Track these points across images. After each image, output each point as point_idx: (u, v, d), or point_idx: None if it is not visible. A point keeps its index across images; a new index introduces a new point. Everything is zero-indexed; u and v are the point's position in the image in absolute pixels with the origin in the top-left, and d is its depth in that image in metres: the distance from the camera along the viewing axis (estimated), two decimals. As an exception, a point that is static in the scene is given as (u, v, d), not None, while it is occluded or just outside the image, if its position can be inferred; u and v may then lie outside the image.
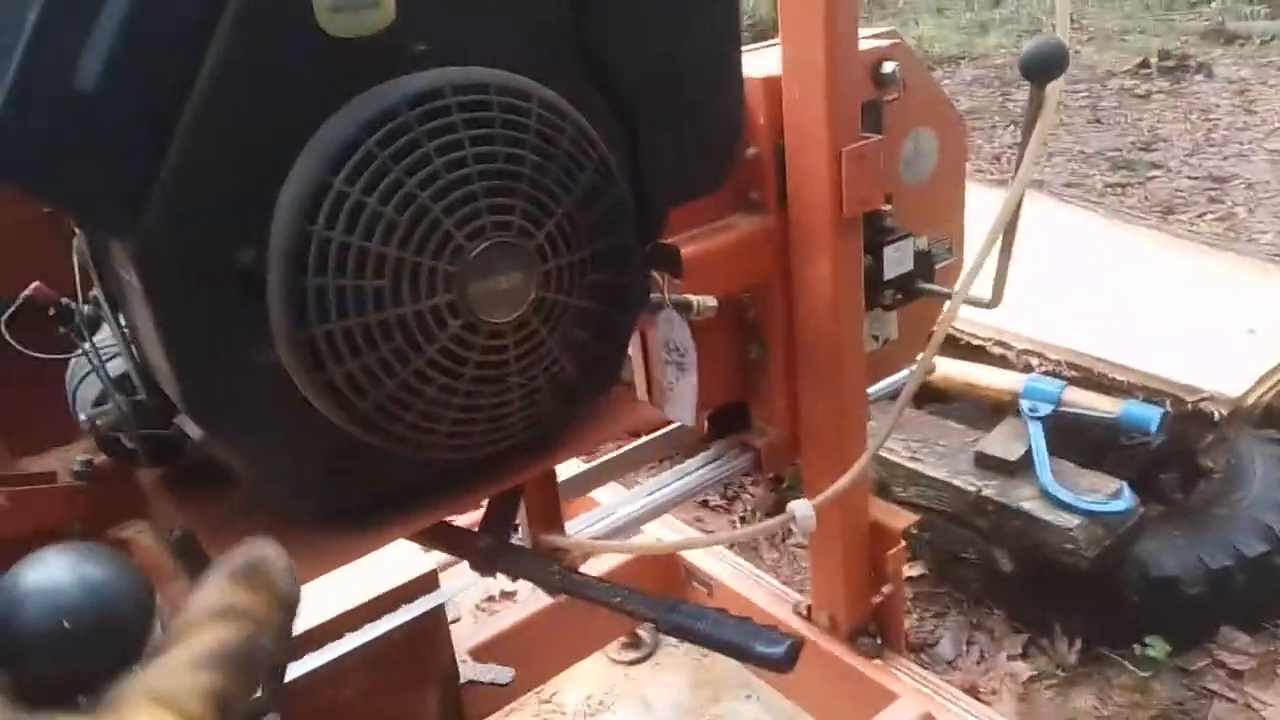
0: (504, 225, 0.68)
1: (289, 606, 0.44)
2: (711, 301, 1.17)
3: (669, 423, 1.17)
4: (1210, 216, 4.27)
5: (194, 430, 0.67)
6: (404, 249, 0.65)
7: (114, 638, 0.44)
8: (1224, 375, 1.97)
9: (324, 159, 0.63)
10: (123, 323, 0.73)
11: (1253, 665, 1.93)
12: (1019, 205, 1.32)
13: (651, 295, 1.10)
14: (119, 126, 0.58)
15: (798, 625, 1.63)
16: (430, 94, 0.65)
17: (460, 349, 0.69)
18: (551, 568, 0.87)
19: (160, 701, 0.38)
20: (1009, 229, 1.41)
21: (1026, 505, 1.90)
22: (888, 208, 1.47)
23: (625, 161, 0.79)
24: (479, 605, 2.17)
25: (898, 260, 1.52)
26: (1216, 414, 1.92)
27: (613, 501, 1.45)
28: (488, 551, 0.88)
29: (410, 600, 1.35)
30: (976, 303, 1.50)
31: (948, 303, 1.59)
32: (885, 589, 1.58)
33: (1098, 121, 5.72)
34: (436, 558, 1.90)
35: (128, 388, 0.73)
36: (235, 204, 0.63)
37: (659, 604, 0.78)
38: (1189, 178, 4.78)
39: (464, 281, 0.67)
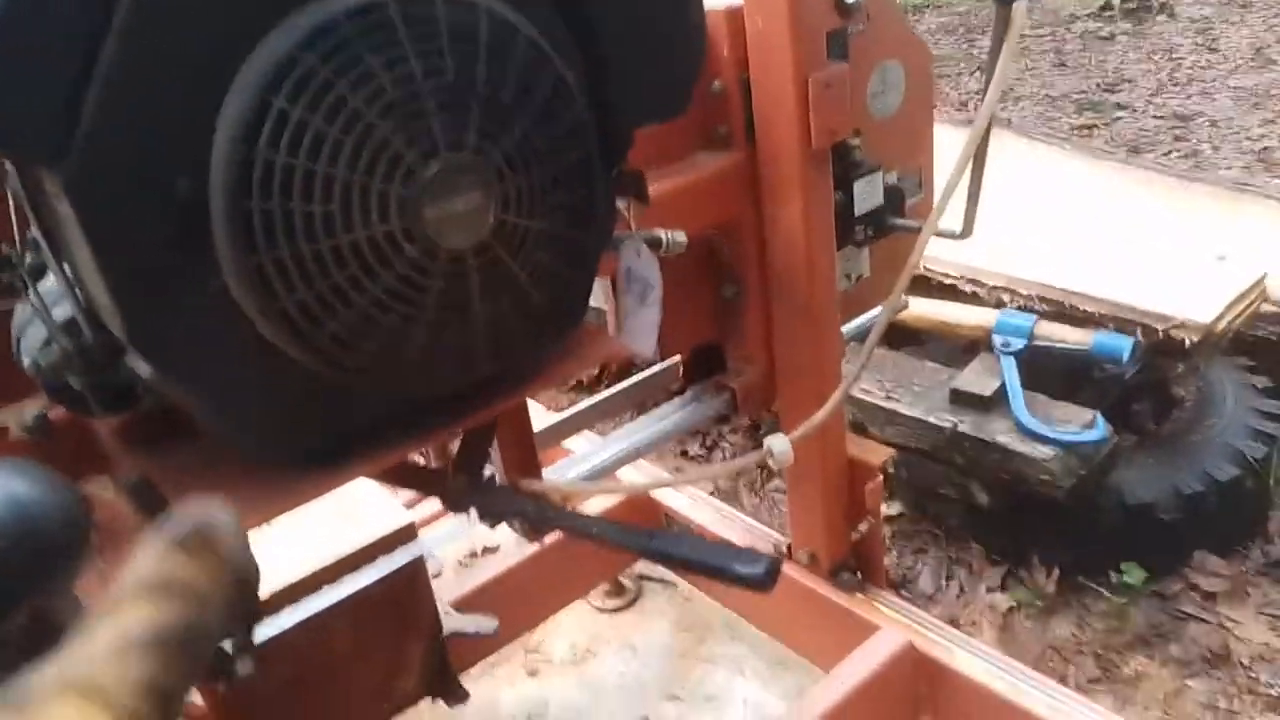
0: (458, 144, 0.65)
1: (241, 580, 0.38)
2: (682, 237, 1.15)
3: (641, 357, 1.15)
4: (1175, 154, 4.29)
5: (144, 369, 0.65)
6: (352, 170, 0.62)
7: (40, 553, 0.42)
8: (1195, 302, 1.97)
9: (264, 77, 0.60)
10: (65, 264, 0.70)
11: (1225, 587, 1.96)
12: (988, 130, 1.31)
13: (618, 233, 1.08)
14: (41, 44, 0.55)
15: (779, 564, 1.64)
16: (372, 5, 0.62)
17: (419, 276, 0.66)
18: (525, 502, 0.85)
19: (84, 694, 0.31)
20: (978, 156, 1.39)
21: (1002, 439, 1.90)
22: (856, 142, 1.45)
23: (584, 81, 0.76)
24: (461, 561, 2.17)
25: (868, 195, 1.50)
26: (1188, 341, 1.93)
27: (588, 449, 1.44)
28: (460, 489, 0.86)
29: (388, 553, 1.33)
30: (947, 234, 1.50)
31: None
32: (864, 524, 1.58)
33: (1062, 65, 5.71)
34: (416, 512, 1.90)
35: (74, 330, 0.70)
36: (171, 126, 0.60)
37: (637, 533, 0.77)
38: (1154, 117, 4.80)
39: (418, 204, 0.64)
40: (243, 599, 0.38)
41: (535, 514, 0.83)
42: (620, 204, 0.96)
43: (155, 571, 0.36)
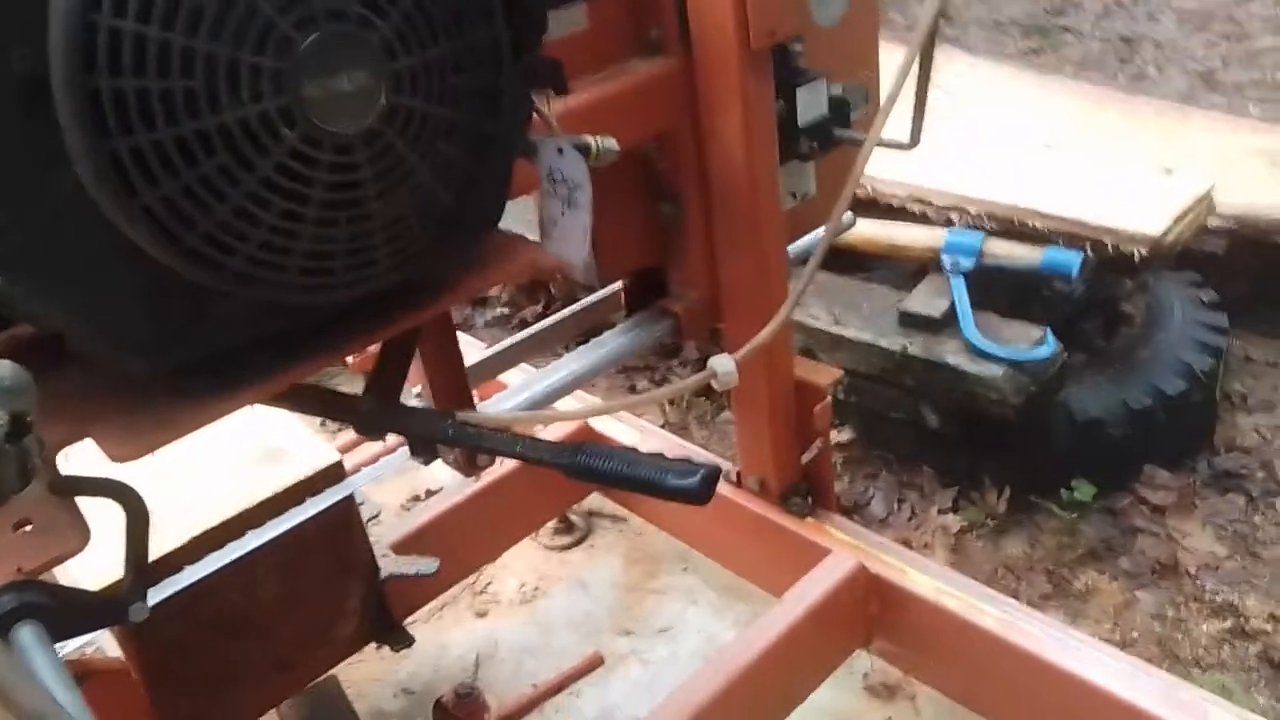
0: (338, 12, 0.57)
1: None
2: (613, 143, 1.07)
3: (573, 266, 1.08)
4: (1121, 77, 4.28)
5: (-9, 279, 0.57)
6: (215, 40, 0.54)
7: None
8: (1143, 215, 1.95)
9: (102, -73, 0.52)
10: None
11: (1173, 499, 1.97)
12: (933, 32, 1.25)
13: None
14: None
15: (727, 490, 1.60)
16: None
17: (301, 166, 0.59)
18: (443, 421, 0.79)
19: None
20: (924, 60, 1.34)
21: (951, 359, 1.88)
22: (798, 47, 1.38)
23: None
24: (403, 505, 2.11)
25: (812, 104, 1.44)
26: (1136, 254, 1.91)
27: (525, 380, 1.37)
28: (371, 413, 0.80)
29: (316, 493, 1.27)
30: (894, 144, 1.44)
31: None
32: (814, 447, 1.55)
33: (1009, -12, 5.64)
34: (353, 458, 1.83)
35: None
36: (-6, -12, 0.52)
37: (564, 448, 0.71)
38: (1100, 40, 4.77)
39: (296, 81, 0.57)
40: None
41: (455, 433, 0.77)
42: (539, 102, 0.88)
43: None
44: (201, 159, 0.56)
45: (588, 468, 0.69)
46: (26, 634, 0.63)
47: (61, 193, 0.56)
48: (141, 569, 0.66)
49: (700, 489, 0.64)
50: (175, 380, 0.66)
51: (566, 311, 1.56)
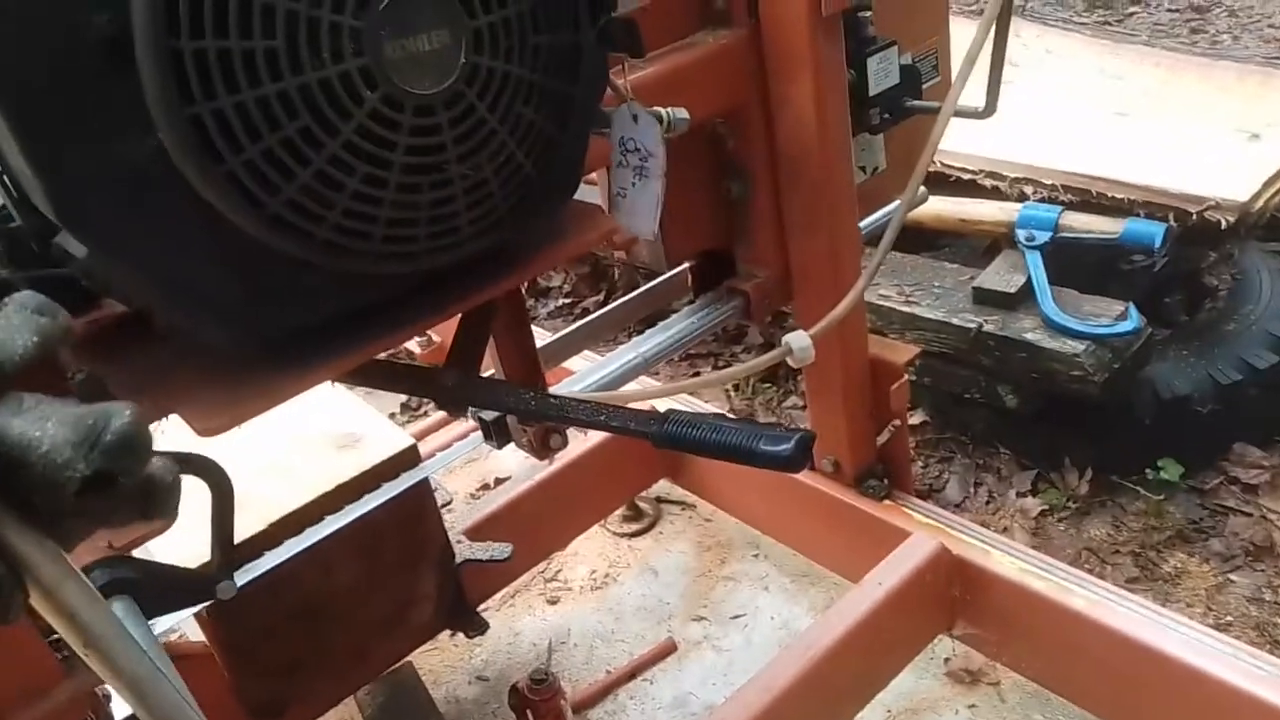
0: (418, -33, 0.56)
1: None
2: (684, 114, 1.05)
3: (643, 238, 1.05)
4: (1196, 47, 4.12)
5: (76, 248, 0.57)
6: (296, -1, 0.53)
7: None
8: (1229, 182, 1.86)
9: (183, -113, 0.51)
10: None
11: (1266, 478, 1.88)
12: (1011, -8, 1.21)
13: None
14: None
15: (800, 473, 1.57)
16: None
17: (383, 129, 0.58)
18: (526, 393, 0.77)
19: None
20: (1000, 23, 1.29)
21: (1030, 336, 1.82)
22: (868, 14, 1.35)
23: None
24: (472, 494, 2.11)
25: (883, 74, 1.40)
26: (1223, 222, 1.82)
27: (594, 363, 1.36)
28: (454, 387, 0.79)
29: (391, 478, 1.27)
30: (969, 113, 1.40)
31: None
32: (890, 428, 1.51)
33: (1073, -42, 5.48)
34: (425, 446, 1.83)
35: (4, 218, 0.62)
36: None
37: (650, 417, 0.69)
38: (1169, 10, 4.61)
39: (376, 40, 0.56)
40: None
41: (538, 406, 0.75)
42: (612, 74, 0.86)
43: None
44: (284, 121, 0.55)
45: (675, 435, 0.67)
46: (119, 609, 0.63)
47: (144, 159, 0.55)
48: (227, 546, 0.66)
49: (795, 455, 0.61)
50: (260, 354, 0.65)
51: (631, 295, 1.54)
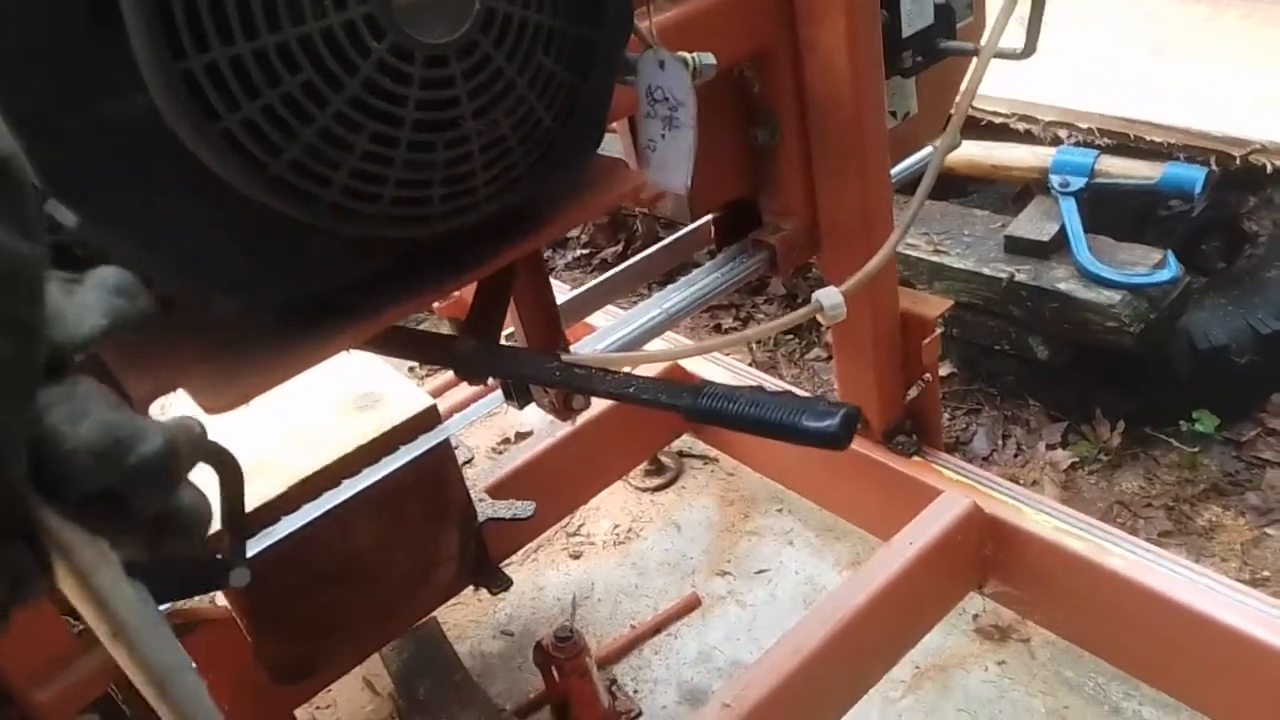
0: (426, -97, 0.51)
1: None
2: (710, 59, 0.99)
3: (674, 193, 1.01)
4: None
5: (66, 217, 0.53)
6: (294, -61, 0.48)
7: None
8: (1275, 125, 1.78)
9: None
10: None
11: (1305, 430, 1.84)
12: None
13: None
14: None
15: (829, 430, 1.53)
16: None
17: (392, 82, 0.53)
18: (550, 362, 0.74)
19: None
20: (1043, -44, 1.22)
21: (1063, 286, 1.76)
22: (900, -51, 1.28)
23: None
24: (494, 448, 2.10)
25: (916, 13, 1.33)
26: (1269, 166, 1.75)
27: (617, 320, 1.32)
28: (473, 354, 0.75)
29: (410, 440, 1.24)
30: (1008, 54, 1.33)
31: (974, 62, 1.41)
32: (920, 383, 1.47)
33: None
34: (444, 402, 1.81)
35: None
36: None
37: (683, 390, 0.65)
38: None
39: (383, -16, 0.51)
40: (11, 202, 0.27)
41: (563, 375, 0.72)
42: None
43: None
44: (284, 76, 0.51)
45: (711, 410, 0.63)
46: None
47: (135, 120, 0.51)
48: (238, 532, 0.63)
49: (840, 432, 0.58)
50: (268, 325, 0.62)
51: (654, 248, 1.49)
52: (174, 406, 0.66)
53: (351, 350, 0.67)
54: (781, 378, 2.25)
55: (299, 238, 0.58)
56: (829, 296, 1.15)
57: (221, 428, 0.66)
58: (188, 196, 0.54)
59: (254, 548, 1.11)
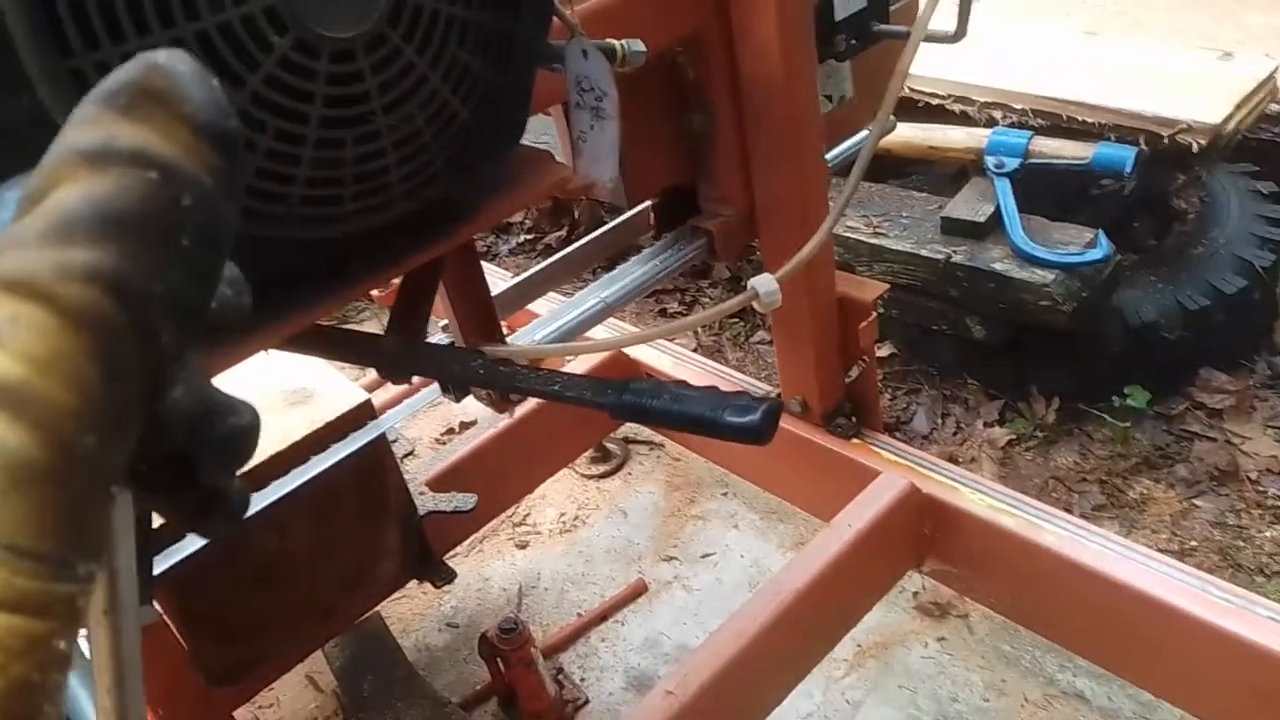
0: (325, -107, 0.49)
1: (216, 136, 0.27)
2: (640, 45, 0.98)
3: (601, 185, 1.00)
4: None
5: None
6: (185, -68, 0.46)
7: None
8: (1201, 103, 1.82)
9: None
10: None
11: (1231, 403, 1.89)
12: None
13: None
14: None
15: (770, 415, 1.54)
16: None
17: (296, 78, 0.52)
18: (473, 360, 0.73)
19: (10, 287, 0.24)
20: (971, -61, 1.23)
21: (999, 266, 1.79)
22: (831, -68, 1.28)
23: None
24: (437, 439, 2.07)
25: (848, -3, 1.33)
26: (1195, 145, 1.79)
27: (555, 310, 1.31)
28: (396, 354, 0.74)
29: (343, 436, 1.22)
30: (939, 37, 1.34)
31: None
32: (858, 366, 1.48)
33: None
34: (382, 395, 1.78)
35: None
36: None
37: (607, 386, 0.65)
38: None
39: (282, -22, 0.49)
40: (226, 169, 0.27)
41: (487, 374, 0.71)
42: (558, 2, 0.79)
43: (90, 138, 0.25)
44: (182, 75, 0.49)
45: (635, 406, 0.62)
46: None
47: (19, 119, 0.49)
48: (147, 566, 0.61)
49: (762, 426, 0.58)
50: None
51: (591, 236, 1.48)
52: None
53: (269, 351, 0.66)
54: (726, 361, 2.26)
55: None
56: (764, 283, 1.15)
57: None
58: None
59: (186, 550, 1.08)
